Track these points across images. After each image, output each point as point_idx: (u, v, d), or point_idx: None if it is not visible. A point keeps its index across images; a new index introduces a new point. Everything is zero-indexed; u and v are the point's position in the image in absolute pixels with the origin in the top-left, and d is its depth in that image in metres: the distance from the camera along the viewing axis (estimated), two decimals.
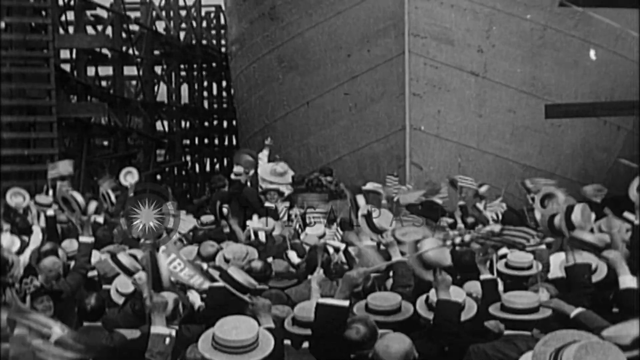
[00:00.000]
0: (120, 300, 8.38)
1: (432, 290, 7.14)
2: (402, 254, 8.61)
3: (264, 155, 16.70)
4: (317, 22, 18.15)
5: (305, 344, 6.76)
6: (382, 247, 9.30)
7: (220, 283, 7.67)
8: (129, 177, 15.55)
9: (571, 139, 18.60)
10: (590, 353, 4.30)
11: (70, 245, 10.64)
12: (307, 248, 11.17)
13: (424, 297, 7.41)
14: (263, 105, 20.30)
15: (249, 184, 15.82)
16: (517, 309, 6.86)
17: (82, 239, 9.78)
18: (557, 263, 8.99)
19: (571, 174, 18.25)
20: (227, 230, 12.64)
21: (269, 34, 19.37)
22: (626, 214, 10.68)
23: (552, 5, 17.45)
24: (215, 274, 8.00)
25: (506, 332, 6.78)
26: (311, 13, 18.21)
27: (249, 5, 19.70)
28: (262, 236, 11.81)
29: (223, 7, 32.20)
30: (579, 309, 6.78)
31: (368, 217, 9.42)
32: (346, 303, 6.30)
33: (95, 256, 9.86)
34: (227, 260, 9.35)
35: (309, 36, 18.38)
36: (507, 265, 8.91)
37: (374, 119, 17.62)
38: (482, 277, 8.10)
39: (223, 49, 36.75)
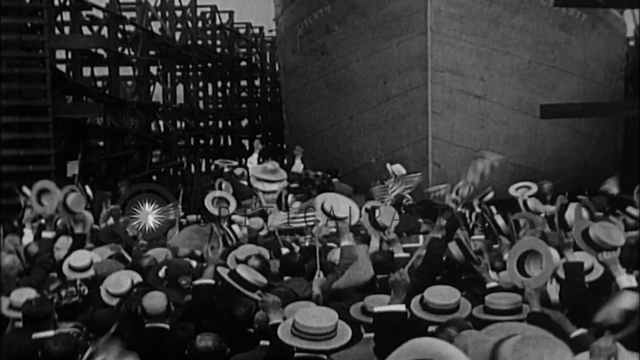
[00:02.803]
0: (110, 302, 8.07)
1: (427, 291, 6.79)
2: (405, 250, 8.94)
3: (253, 158, 16.78)
4: (360, 57, 21.10)
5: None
6: (384, 243, 9.26)
7: (205, 280, 7.71)
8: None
9: (551, 144, 21.25)
10: (532, 346, 3.91)
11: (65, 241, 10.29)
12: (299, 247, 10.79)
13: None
14: (312, 118, 23.12)
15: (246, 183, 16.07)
16: (500, 310, 6.83)
17: (45, 234, 9.61)
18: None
19: (552, 170, 20.41)
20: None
21: (320, 64, 22.22)
22: (629, 209, 10.98)
23: (537, 46, 20.56)
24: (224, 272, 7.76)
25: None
26: (355, 50, 21.11)
27: (304, 42, 22.44)
28: (238, 232, 10.95)
29: (275, 38, 32.22)
30: (580, 330, 6.22)
31: (371, 213, 9.18)
32: (403, 307, 6.31)
33: (95, 257, 9.39)
34: (238, 261, 8.87)
35: (353, 67, 21.32)
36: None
37: (404, 130, 20.61)
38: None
39: (218, 50, 37.19)
